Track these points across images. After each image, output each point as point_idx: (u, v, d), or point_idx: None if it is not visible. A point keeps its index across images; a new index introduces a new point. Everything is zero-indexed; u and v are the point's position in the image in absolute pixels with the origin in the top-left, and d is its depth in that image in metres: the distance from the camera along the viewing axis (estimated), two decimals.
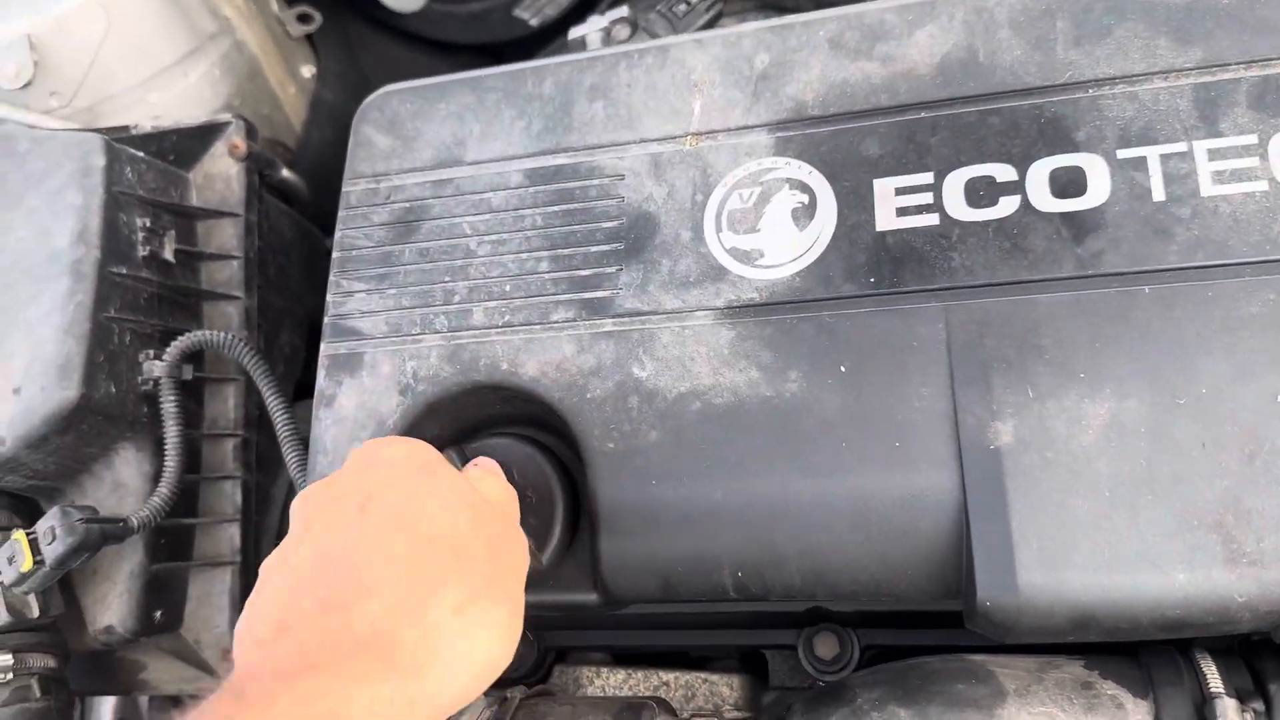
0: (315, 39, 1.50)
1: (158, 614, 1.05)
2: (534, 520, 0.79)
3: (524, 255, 0.87)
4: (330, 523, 0.62)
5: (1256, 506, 0.67)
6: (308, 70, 1.48)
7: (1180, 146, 0.75)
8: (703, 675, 0.98)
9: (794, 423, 0.77)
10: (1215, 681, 0.71)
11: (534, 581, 0.71)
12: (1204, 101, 0.75)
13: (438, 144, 0.93)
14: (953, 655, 0.79)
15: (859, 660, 0.91)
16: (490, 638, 0.60)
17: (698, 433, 0.78)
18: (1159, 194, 0.74)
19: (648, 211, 0.85)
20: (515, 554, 0.67)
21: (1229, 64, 0.76)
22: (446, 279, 0.88)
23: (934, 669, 0.77)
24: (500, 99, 0.92)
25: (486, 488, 0.69)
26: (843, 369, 0.77)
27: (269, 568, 0.62)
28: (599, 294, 0.84)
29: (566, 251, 0.86)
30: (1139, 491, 0.69)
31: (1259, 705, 0.71)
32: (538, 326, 0.84)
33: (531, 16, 1.58)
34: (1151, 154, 0.75)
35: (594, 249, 0.85)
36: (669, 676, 0.98)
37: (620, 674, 0.99)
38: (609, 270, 0.84)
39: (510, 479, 0.74)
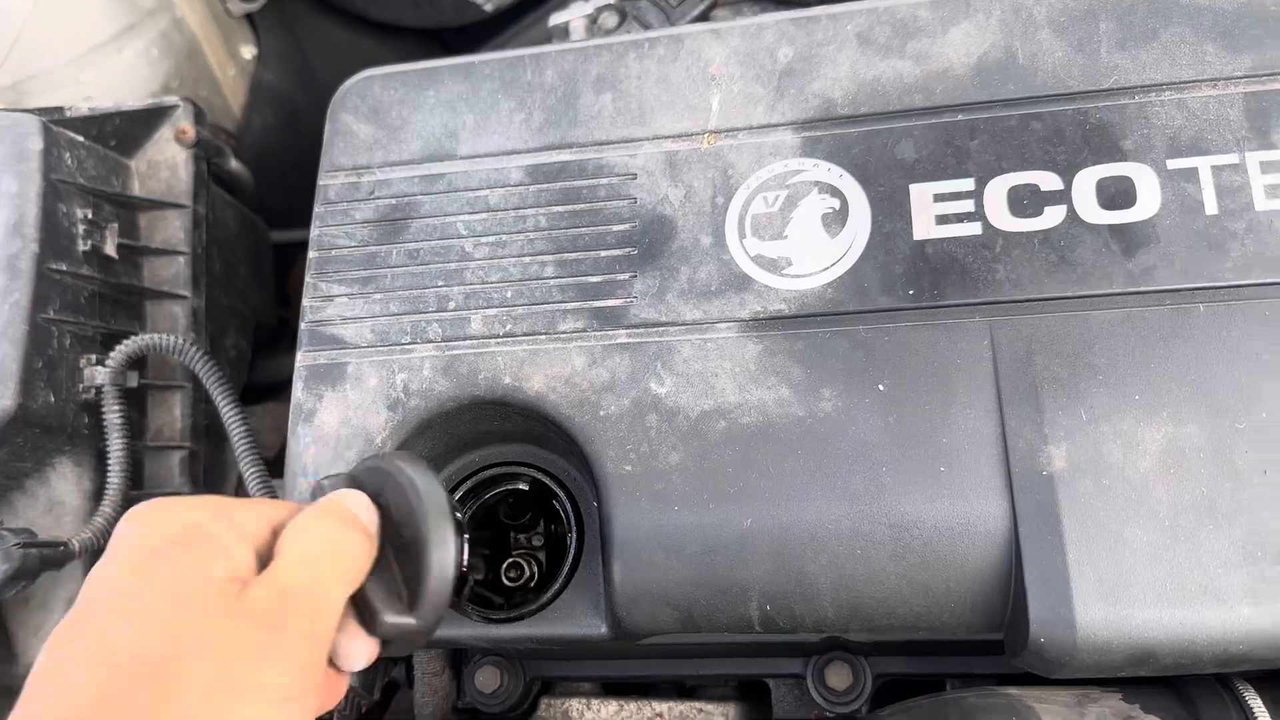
0: (256, 19, 1.40)
1: None
2: (402, 569, 0.58)
3: (526, 259, 0.80)
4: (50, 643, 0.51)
5: None
6: (248, 51, 1.38)
7: (1232, 158, 0.72)
8: (698, 705, 0.92)
9: (829, 445, 0.71)
10: (1263, 715, 0.68)
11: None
12: (1255, 112, 0.72)
13: (427, 135, 0.85)
14: (988, 690, 0.74)
15: (871, 690, 0.87)
16: None
17: (723, 455, 0.73)
18: (1211, 207, 0.71)
19: (663, 214, 0.79)
20: (271, 657, 0.51)
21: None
22: (440, 283, 0.80)
23: (972, 705, 0.72)
24: (496, 88, 0.85)
25: (300, 544, 0.55)
26: (881, 387, 0.72)
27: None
28: (611, 302, 0.77)
29: (574, 256, 0.79)
30: (1200, 521, 0.65)
31: None
32: (543, 337, 0.78)
33: (485, 1, 1.50)
34: (1203, 165, 0.72)
35: (604, 254, 0.79)
36: (662, 707, 0.92)
37: (612, 705, 0.92)
38: (622, 277, 0.78)
39: (385, 516, 0.59)
